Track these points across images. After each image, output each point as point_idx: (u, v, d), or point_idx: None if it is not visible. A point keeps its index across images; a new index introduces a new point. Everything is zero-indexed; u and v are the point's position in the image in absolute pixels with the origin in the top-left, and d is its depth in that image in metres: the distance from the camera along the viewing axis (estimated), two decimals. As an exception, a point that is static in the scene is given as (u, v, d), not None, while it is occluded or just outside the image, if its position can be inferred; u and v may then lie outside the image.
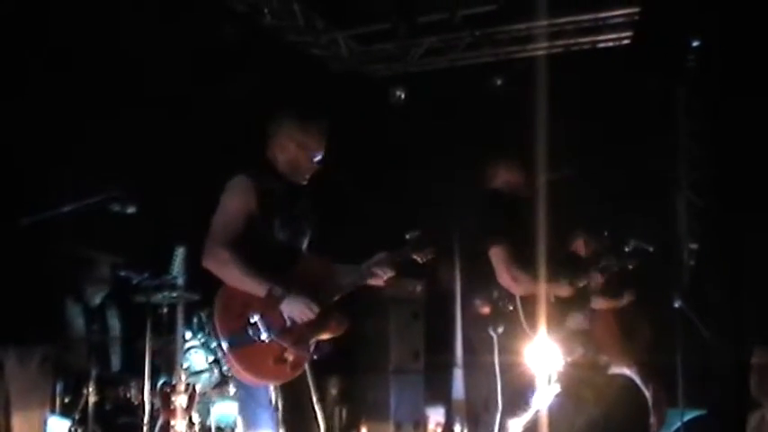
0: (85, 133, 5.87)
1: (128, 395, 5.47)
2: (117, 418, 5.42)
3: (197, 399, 5.34)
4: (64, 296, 5.90)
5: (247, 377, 3.69)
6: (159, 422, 5.16)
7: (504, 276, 4.86)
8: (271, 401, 3.73)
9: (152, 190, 5.57)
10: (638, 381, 5.65)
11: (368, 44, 8.71)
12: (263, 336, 3.61)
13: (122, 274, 5.49)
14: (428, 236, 4.11)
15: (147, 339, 5.26)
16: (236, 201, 3.77)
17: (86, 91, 5.84)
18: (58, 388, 5.34)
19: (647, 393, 5.37)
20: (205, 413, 5.50)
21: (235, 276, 3.67)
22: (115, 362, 6.01)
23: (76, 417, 5.24)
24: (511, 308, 4.90)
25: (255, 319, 3.62)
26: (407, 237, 4.09)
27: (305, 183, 4.00)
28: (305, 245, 3.99)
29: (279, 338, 3.64)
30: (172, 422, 5.09)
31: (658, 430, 5.75)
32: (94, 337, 5.74)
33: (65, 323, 5.78)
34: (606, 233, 6.09)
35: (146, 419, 5.15)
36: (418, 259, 4.12)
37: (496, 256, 4.89)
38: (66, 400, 5.36)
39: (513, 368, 4.92)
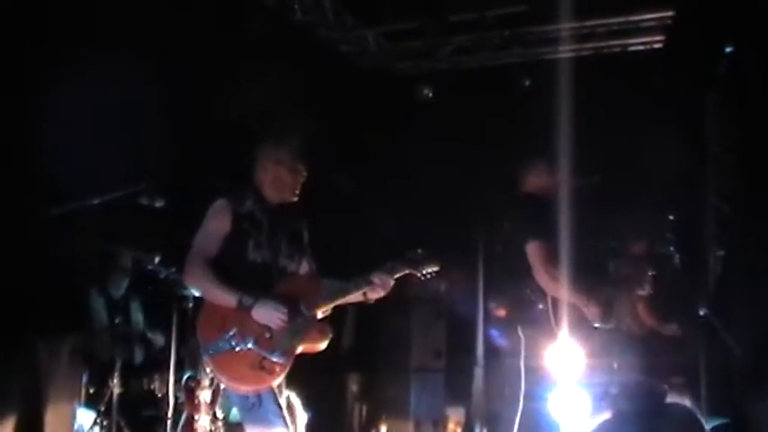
0: (116, 125, 5.90)
1: (152, 388, 5.51)
2: (141, 410, 5.46)
3: (221, 394, 5.36)
4: (89, 288, 5.95)
5: (228, 383, 4.00)
6: (183, 416, 5.18)
7: (541, 272, 4.86)
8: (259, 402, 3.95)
9: (181, 184, 5.59)
10: (696, 411, 5.57)
11: (397, 41, 8.70)
12: (240, 345, 3.89)
13: (150, 267, 5.51)
14: (428, 256, 4.20)
15: (173, 333, 5.29)
16: (212, 223, 4.10)
17: (118, 84, 5.86)
18: (84, 379, 5.39)
19: (703, 421, 5.29)
20: (229, 409, 5.52)
21: (208, 290, 4.00)
22: (138, 354, 6.06)
23: (101, 408, 5.29)
24: (541, 306, 4.90)
25: (233, 331, 3.90)
26: (407, 253, 4.19)
27: (295, 199, 4.25)
28: (291, 264, 4.23)
29: (255, 347, 3.90)
30: (196, 416, 5.10)
31: None
32: (118, 329, 5.79)
33: (90, 315, 5.84)
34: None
35: (170, 413, 5.18)
36: (417, 275, 4.23)
37: (534, 251, 4.89)
38: (92, 392, 5.41)
39: (537, 370, 4.93)
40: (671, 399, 5.42)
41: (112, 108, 5.87)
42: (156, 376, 5.48)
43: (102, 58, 5.77)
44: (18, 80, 5.28)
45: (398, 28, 8.45)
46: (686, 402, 5.55)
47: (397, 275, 4.16)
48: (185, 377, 5.29)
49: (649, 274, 5.66)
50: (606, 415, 5.00)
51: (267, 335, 3.93)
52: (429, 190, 8.22)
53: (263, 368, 3.89)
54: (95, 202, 4.99)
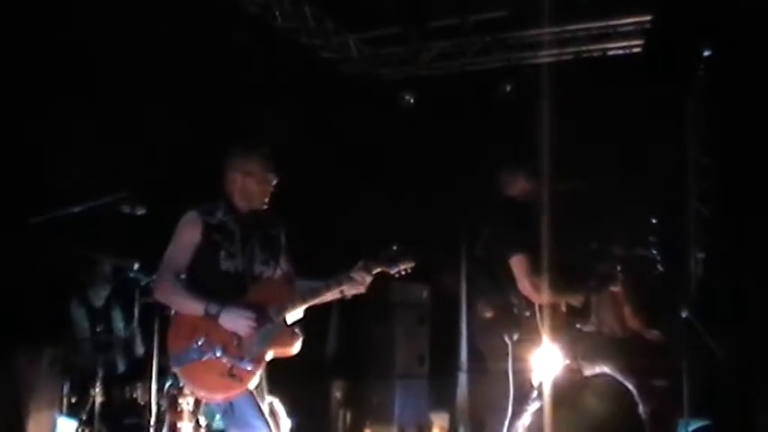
0: (97, 134, 5.88)
1: (134, 396, 5.48)
2: (123, 418, 5.43)
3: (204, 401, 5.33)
4: (69, 298, 5.92)
5: (199, 392, 4.13)
6: (166, 424, 5.16)
7: (525, 284, 4.90)
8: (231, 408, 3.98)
9: (163, 191, 5.58)
10: (618, 376, 5.58)
11: (378, 47, 8.71)
12: (207, 355, 3.91)
13: (131, 275, 5.49)
14: (403, 253, 4.17)
15: (155, 340, 5.26)
16: (182, 235, 4.12)
17: (99, 92, 5.85)
18: (65, 388, 5.36)
19: (630, 386, 5.32)
20: (212, 416, 5.50)
21: (176, 301, 4.05)
22: (120, 363, 6.03)
23: (83, 417, 5.26)
24: (528, 314, 4.93)
25: (201, 341, 3.92)
26: (383, 251, 4.17)
27: (264, 207, 4.24)
28: (267, 270, 4.22)
29: (224, 355, 3.91)
30: (178, 424, 5.08)
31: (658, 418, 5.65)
32: (100, 337, 5.76)
33: (71, 324, 5.82)
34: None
35: (152, 421, 5.15)
36: (390, 272, 4.18)
37: (518, 264, 4.92)
38: (73, 401, 5.38)
39: (522, 374, 4.94)
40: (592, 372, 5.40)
41: (94, 117, 5.86)
42: (139, 384, 5.44)
43: (86, 68, 5.77)
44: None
45: (380, 34, 8.47)
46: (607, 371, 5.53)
47: (372, 273, 4.13)
48: (168, 385, 5.26)
49: (618, 268, 5.65)
50: (536, 405, 5.00)
51: (235, 342, 3.94)
52: (411, 194, 8.23)
53: (233, 375, 3.90)
54: (76, 210, 4.97)
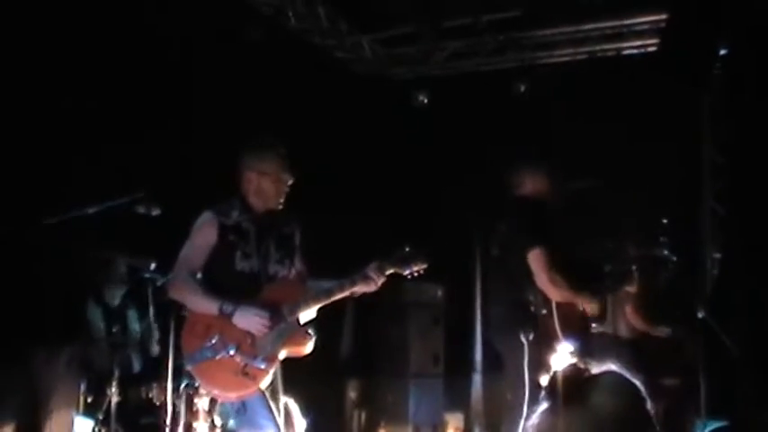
0: (112, 135, 5.90)
1: (150, 396, 5.50)
2: (139, 418, 5.44)
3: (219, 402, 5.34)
4: (85, 298, 5.94)
5: (213, 391, 4.12)
6: (181, 424, 5.17)
7: (543, 279, 4.88)
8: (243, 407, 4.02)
9: (178, 192, 5.59)
10: (626, 373, 5.57)
11: (392, 47, 8.72)
12: (221, 353, 3.94)
13: (147, 275, 5.51)
14: (416, 254, 4.18)
15: (171, 340, 5.27)
16: (197, 236, 4.13)
17: (115, 93, 5.87)
18: (82, 387, 5.38)
19: (638, 382, 5.31)
20: (227, 416, 5.51)
21: (190, 300, 4.06)
22: (136, 363, 6.05)
23: (100, 416, 5.28)
24: (544, 311, 4.91)
25: (215, 339, 3.94)
26: (396, 252, 4.19)
27: (280, 207, 4.24)
28: (282, 269, 4.24)
29: (238, 354, 3.94)
30: (194, 424, 5.09)
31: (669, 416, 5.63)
32: (116, 337, 5.78)
33: (87, 324, 5.84)
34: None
35: (168, 421, 5.16)
36: (403, 273, 4.20)
37: (536, 257, 4.90)
38: (90, 400, 5.40)
39: (537, 373, 4.93)
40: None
41: (109, 117, 5.88)
42: (154, 384, 5.45)
43: (101, 68, 5.79)
44: (18, 87, 5.29)
45: (393, 34, 8.48)
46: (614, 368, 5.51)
47: (386, 273, 4.14)
48: (183, 385, 5.28)
49: (633, 268, 5.64)
50: (543, 405, 4.99)
51: (249, 341, 3.96)
52: (425, 194, 8.23)
53: (247, 374, 3.92)
54: (92, 210, 4.99)
